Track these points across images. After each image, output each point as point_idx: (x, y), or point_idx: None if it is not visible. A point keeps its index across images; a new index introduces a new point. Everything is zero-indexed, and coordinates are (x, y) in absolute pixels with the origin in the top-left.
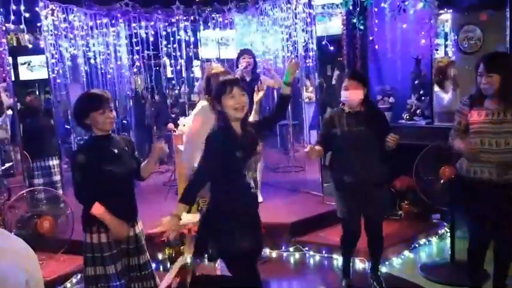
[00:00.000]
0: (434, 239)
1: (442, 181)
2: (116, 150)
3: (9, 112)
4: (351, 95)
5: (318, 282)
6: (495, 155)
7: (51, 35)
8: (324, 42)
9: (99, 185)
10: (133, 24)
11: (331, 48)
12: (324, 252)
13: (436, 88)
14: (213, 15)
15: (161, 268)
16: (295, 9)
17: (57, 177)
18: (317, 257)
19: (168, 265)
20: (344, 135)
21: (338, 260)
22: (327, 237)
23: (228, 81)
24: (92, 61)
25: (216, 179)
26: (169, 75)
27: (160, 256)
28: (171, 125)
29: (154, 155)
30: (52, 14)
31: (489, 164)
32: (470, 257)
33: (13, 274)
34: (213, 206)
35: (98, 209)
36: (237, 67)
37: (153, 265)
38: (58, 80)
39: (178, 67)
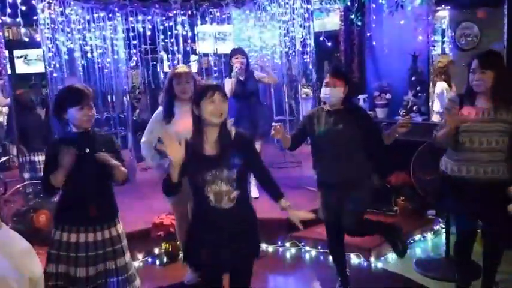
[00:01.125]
0: (429, 235)
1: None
2: (87, 150)
3: (5, 109)
4: (331, 92)
5: (314, 277)
6: (485, 153)
7: (48, 28)
8: (321, 38)
9: (67, 184)
10: (131, 18)
11: (329, 44)
12: (319, 247)
13: (437, 89)
14: (210, 10)
15: (157, 262)
16: (293, 4)
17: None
18: (313, 252)
19: (165, 259)
20: (322, 134)
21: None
22: (323, 232)
23: (210, 86)
24: (89, 55)
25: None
26: (166, 69)
27: (157, 251)
28: None
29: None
30: (49, 8)
31: (478, 162)
32: (457, 251)
33: (14, 273)
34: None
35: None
36: (230, 66)
37: (149, 259)
38: (55, 74)
39: (176, 62)
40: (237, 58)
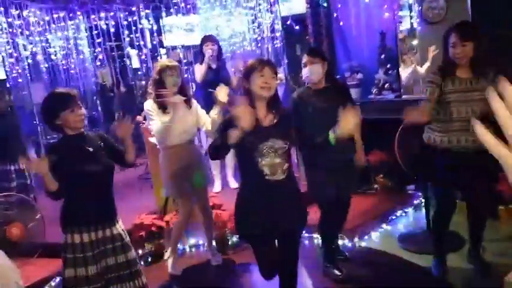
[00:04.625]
0: (410, 210)
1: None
2: (91, 149)
3: None
4: (311, 70)
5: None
6: (469, 122)
7: (6, 33)
8: (288, 22)
9: (74, 186)
10: (93, 16)
11: (297, 27)
12: (304, 231)
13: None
14: (174, 1)
15: (141, 263)
16: None
17: (15, 183)
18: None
19: (149, 259)
20: (316, 113)
21: (318, 238)
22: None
23: (261, 61)
24: (53, 57)
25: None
26: (135, 65)
27: (140, 251)
28: (139, 118)
29: (123, 137)
30: (6, 12)
31: (467, 132)
32: (437, 222)
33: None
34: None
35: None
36: (202, 54)
37: None
38: (20, 80)
39: (143, 57)
40: (207, 45)
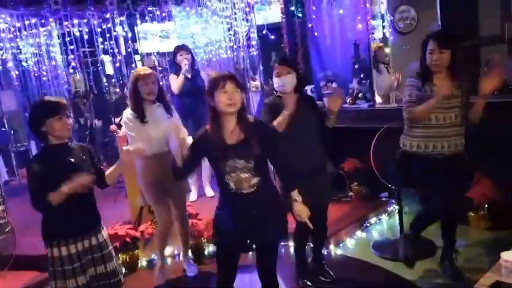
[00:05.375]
0: (384, 217)
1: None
2: (73, 160)
3: None
4: (286, 80)
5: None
6: (446, 129)
7: None
8: (264, 32)
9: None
10: (65, 23)
11: (272, 37)
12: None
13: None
14: (149, 9)
15: None
16: None
17: None
18: None
19: (123, 270)
20: (288, 124)
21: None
22: None
23: (221, 76)
24: (24, 64)
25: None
26: (109, 72)
27: None
28: (113, 127)
29: (121, 161)
30: None
31: (444, 138)
32: (414, 226)
33: None
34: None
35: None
36: (175, 64)
37: None
38: None
39: (118, 64)
40: (181, 55)
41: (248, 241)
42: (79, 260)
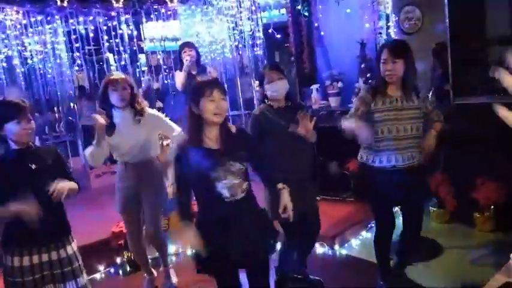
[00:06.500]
0: None
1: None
2: (33, 166)
3: None
4: (280, 85)
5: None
6: (402, 140)
7: None
8: (270, 30)
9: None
10: (71, 20)
11: (278, 36)
12: None
13: None
14: (155, 7)
15: (120, 272)
16: None
17: None
18: None
19: (128, 268)
20: (279, 133)
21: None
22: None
23: (208, 83)
24: (29, 61)
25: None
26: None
27: (118, 260)
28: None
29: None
30: None
31: (398, 150)
32: (377, 244)
33: None
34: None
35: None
36: (180, 61)
37: (111, 270)
38: None
39: (123, 62)
40: (185, 52)
41: (247, 254)
42: (32, 274)
